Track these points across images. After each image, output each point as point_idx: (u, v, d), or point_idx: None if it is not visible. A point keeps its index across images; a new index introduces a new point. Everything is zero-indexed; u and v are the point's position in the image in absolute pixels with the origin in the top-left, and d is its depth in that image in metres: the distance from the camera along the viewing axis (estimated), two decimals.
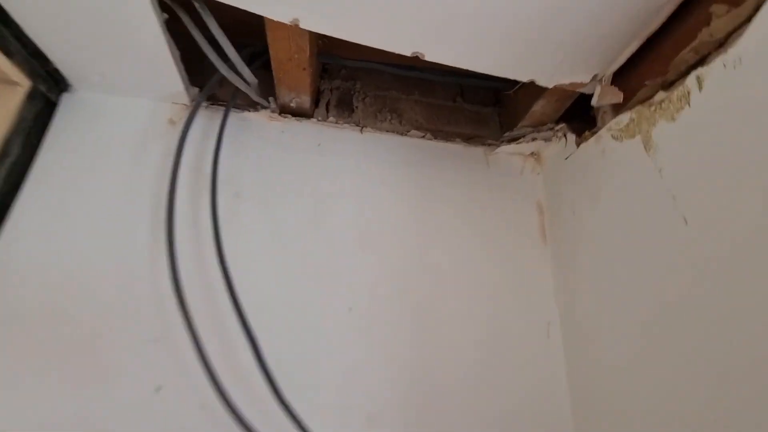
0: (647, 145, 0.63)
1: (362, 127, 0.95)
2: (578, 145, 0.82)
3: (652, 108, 0.63)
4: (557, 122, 0.91)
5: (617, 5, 0.61)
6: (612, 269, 0.68)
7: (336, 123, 0.95)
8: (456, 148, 0.98)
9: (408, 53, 0.72)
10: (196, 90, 0.87)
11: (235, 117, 0.90)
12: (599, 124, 0.79)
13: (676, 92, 0.58)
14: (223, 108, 0.87)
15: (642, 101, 0.66)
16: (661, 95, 0.62)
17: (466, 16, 0.64)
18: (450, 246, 0.86)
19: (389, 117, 0.99)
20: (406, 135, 0.97)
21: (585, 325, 0.75)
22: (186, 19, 0.69)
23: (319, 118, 0.95)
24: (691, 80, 0.56)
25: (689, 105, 0.56)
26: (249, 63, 0.97)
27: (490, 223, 0.90)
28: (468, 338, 0.79)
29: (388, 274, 0.81)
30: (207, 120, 0.88)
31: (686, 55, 0.57)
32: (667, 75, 0.62)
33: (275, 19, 0.66)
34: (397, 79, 1.04)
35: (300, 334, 0.74)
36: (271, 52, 0.76)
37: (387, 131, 0.96)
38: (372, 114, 1.00)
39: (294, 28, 0.68)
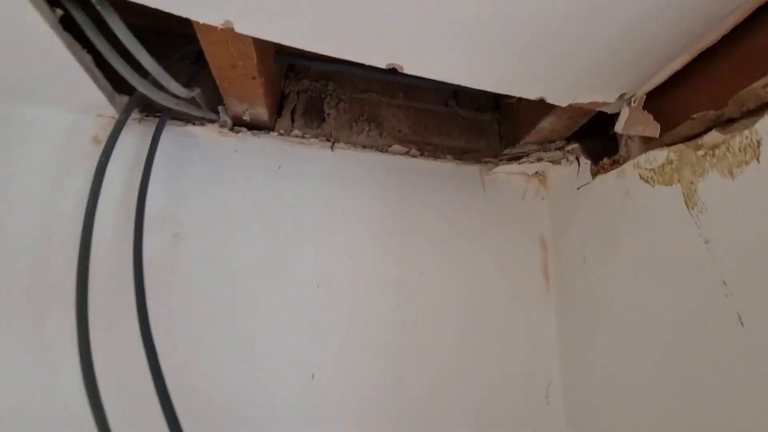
0: (690, 200, 0.48)
1: (334, 143, 0.79)
2: (594, 175, 0.67)
3: (701, 152, 0.47)
4: (568, 140, 0.76)
5: (661, 11, 0.44)
6: (634, 338, 0.55)
7: (302, 137, 0.78)
8: (447, 166, 0.82)
9: (382, 65, 0.55)
10: (124, 99, 0.71)
11: (177, 132, 0.73)
12: (622, 152, 0.63)
13: (739, 138, 0.43)
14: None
15: (686, 138, 0.51)
16: (714, 137, 0.46)
17: (455, 21, 0.47)
18: (435, 294, 0.73)
19: (367, 128, 0.83)
20: (386, 151, 0.81)
21: (593, 394, 0.63)
22: (81, 18, 0.51)
23: (282, 132, 0.78)
24: (763, 126, 0.41)
25: (758, 161, 0.41)
26: (196, 61, 0.80)
27: (485, 263, 0.76)
28: (455, 409, 0.67)
29: (360, 331, 0.68)
30: (141, 137, 0.71)
31: (759, 89, 0.41)
32: (724, 109, 0.46)
33: (201, 21, 0.49)
34: (377, 78, 0.87)
35: (251, 411, 0.62)
36: (207, 58, 0.59)
37: (364, 147, 0.80)
38: (346, 124, 0.83)
39: (230, 32, 0.51)
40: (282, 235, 0.71)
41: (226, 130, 0.74)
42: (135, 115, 0.72)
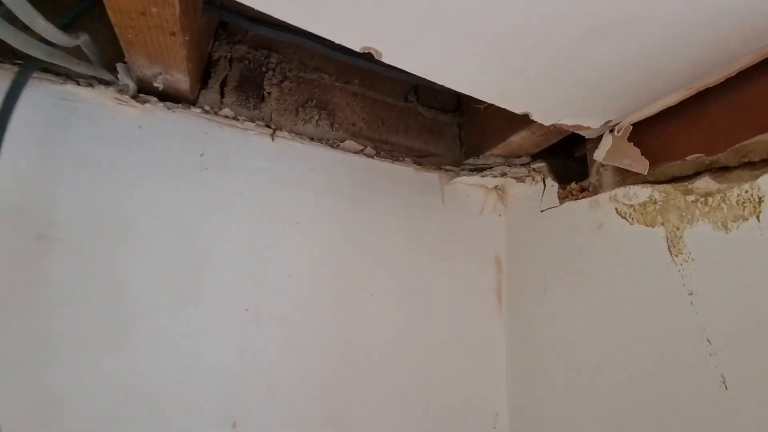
0: (674, 246, 0.46)
1: (275, 130, 0.65)
2: (561, 199, 0.63)
3: (691, 197, 0.45)
4: (534, 157, 0.71)
5: (672, 45, 0.40)
6: (595, 381, 0.53)
7: (235, 119, 0.62)
8: (405, 171, 0.73)
9: (356, 47, 0.43)
10: None
11: (50, 91, 0.53)
12: (593, 179, 0.60)
13: (738, 191, 0.40)
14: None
15: (674, 180, 0.48)
16: (708, 184, 0.44)
17: (452, 14, 0.37)
18: (386, 320, 0.64)
19: (316, 116, 0.70)
20: (338, 147, 0.69)
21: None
22: None
23: (207, 108, 0.61)
24: (767, 183, 0.38)
25: (758, 219, 0.39)
26: None
27: (439, 283, 0.69)
28: None
29: (295, 367, 0.56)
30: None
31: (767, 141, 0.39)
32: (720, 155, 0.43)
33: None
34: (331, 56, 0.73)
35: None
36: None
37: (311, 138, 0.67)
38: (291, 108, 0.69)
39: None
40: (201, 244, 0.55)
41: (127, 97, 0.55)
42: None
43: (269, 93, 0.68)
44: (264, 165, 0.62)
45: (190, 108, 0.60)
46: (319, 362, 0.58)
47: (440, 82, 0.48)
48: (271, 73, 0.69)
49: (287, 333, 0.57)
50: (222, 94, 0.64)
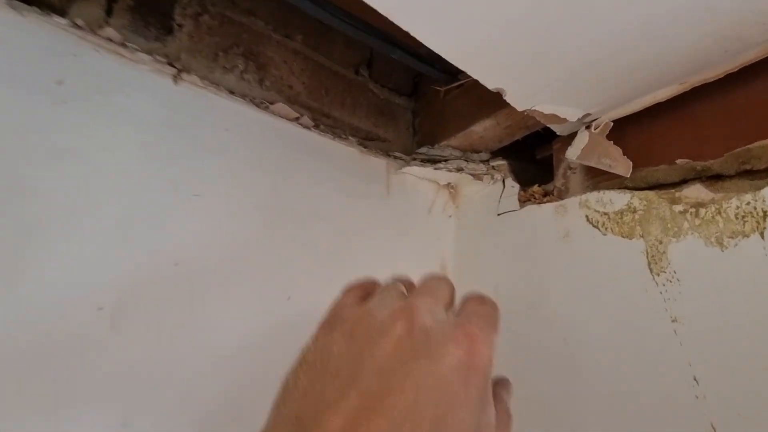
0: (656, 263, 0.39)
1: (180, 71, 0.49)
2: (522, 202, 0.56)
3: (679, 207, 0.38)
4: (494, 154, 0.64)
5: (674, 29, 0.33)
6: (554, 418, 0.44)
7: (122, 45, 0.46)
8: (347, 152, 0.60)
9: None
10: None
11: None
12: (558, 183, 0.53)
13: (737, 202, 0.34)
14: None
15: (658, 186, 0.41)
16: (699, 192, 0.37)
17: None
18: (305, 328, 0.50)
19: (241, 66, 0.55)
20: (266, 109, 0.54)
21: None
22: None
23: (80, 23, 0.44)
24: None
25: (761, 236, 0.32)
26: None
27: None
28: None
29: (166, 385, 0.41)
30: None
31: None
32: (714, 161, 0.37)
33: None
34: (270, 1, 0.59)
35: None
36: None
37: (231, 92, 0.52)
38: (209, 51, 0.53)
39: None
40: (38, 205, 0.38)
41: None
42: None
43: (180, 26, 0.52)
44: (158, 113, 0.46)
45: (52, 17, 0.42)
46: (206, 383, 0.43)
47: (405, 27, 0.37)
48: (185, 2, 0.53)
49: (160, 343, 0.41)
50: (109, 12, 0.47)
